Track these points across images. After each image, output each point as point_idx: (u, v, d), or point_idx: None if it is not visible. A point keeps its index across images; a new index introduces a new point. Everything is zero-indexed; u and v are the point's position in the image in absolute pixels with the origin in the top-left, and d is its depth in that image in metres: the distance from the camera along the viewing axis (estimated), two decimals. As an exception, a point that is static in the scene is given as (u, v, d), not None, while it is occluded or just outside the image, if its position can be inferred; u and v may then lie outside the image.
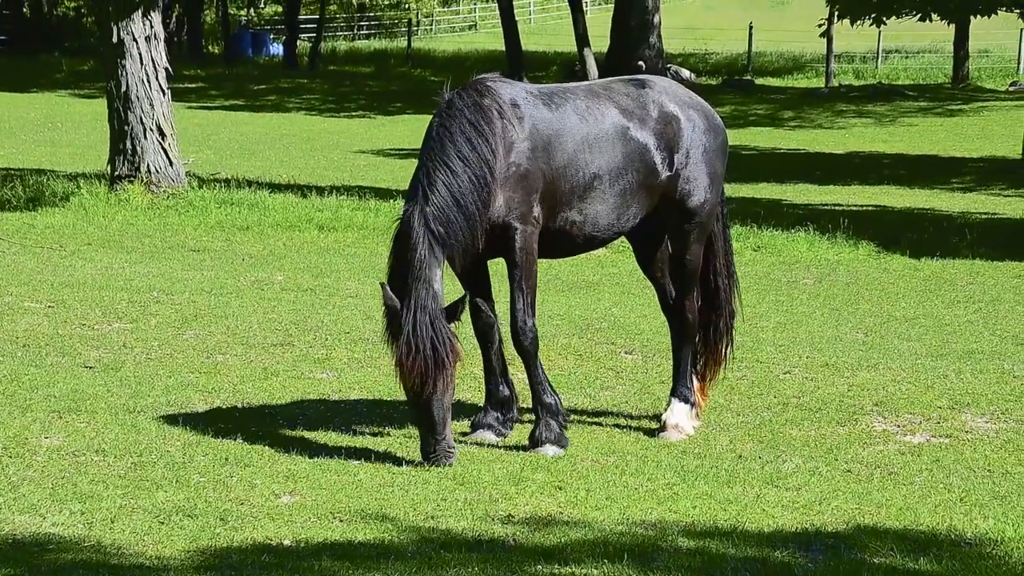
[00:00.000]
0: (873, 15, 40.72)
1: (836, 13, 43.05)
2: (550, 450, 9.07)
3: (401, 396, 9.16)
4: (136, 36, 20.54)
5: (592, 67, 42.08)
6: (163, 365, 11.17)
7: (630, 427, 9.92)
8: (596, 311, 14.30)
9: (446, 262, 8.84)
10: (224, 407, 10.01)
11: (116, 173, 20.94)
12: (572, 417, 9.68)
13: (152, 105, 20.70)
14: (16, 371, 10.72)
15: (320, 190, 22.42)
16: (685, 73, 49.03)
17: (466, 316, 9.06)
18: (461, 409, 9.75)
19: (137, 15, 20.52)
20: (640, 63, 41.38)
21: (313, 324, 12.88)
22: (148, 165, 20.79)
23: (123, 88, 20.62)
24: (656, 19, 44.06)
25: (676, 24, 60.19)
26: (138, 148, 20.76)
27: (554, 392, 9.30)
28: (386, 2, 72.06)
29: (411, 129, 35.05)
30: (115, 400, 10.00)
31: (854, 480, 8.69)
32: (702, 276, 10.03)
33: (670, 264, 10.00)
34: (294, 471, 8.45)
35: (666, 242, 9.97)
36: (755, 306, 14.64)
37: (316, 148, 32.54)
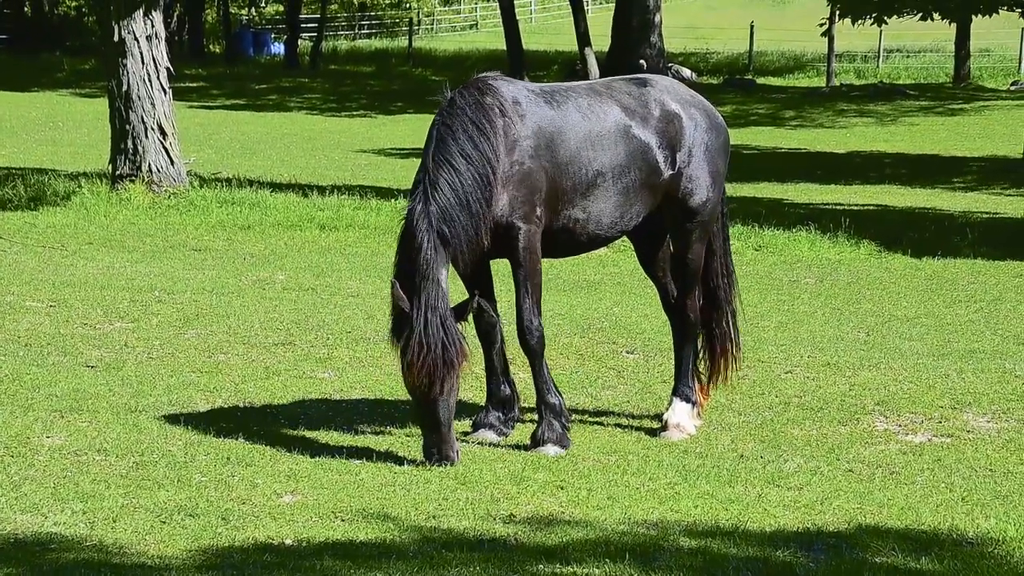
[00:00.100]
0: (874, 14, 40.72)
1: (837, 12, 43.05)
2: (552, 450, 9.07)
3: (403, 395, 9.17)
4: (137, 35, 20.54)
5: (593, 66, 42.08)
6: (165, 364, 11.17)
7: (632, 426, 9.92)
8: (598, 310, 14.30)
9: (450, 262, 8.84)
10: (226, 406, 10.01)
11: (117, 172, 20.94)
12: (574, 417, 9.68)
13: (153, 104, 20.70)
14: (18, 370, 10.72)
15: (321, 189, 22.42)
16: (686, 72, 49.02)
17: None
18: (462, 408, 9.75)
19: (138, 14, 20.52)
20: (641, 62, 41.39)
21: (315, 323, 12.88)
22: (149, 164, 20.79)
23: (124, 87, 20.62)
24: (657, 18, 44.07)
25: (677, 23, 60.20)
26: (139, 147, 20.76)
27: (558, 392, 9.30)
28: (387, 1, 72.05)
29: (412, 128, 35.06)
30: (117, 399, 10.00)
31: (856, 480, 8.69)
32: (701, 276, 10.02)
33: (672, 263, 10.00)
34: (296, 470, 8.45)
35: (667, 241, 9.97)
36: (757, 305, 14.64)
37: (317, 147, 32.54)
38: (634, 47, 43.05)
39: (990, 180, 29.46)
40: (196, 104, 40.49)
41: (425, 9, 73.82)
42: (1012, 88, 47.53)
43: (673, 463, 8.91)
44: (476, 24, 76.50)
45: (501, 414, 9.51)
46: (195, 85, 45.43)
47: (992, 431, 9.91)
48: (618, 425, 9.94)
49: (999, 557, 7.24)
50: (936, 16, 39.82)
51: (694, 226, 9.72)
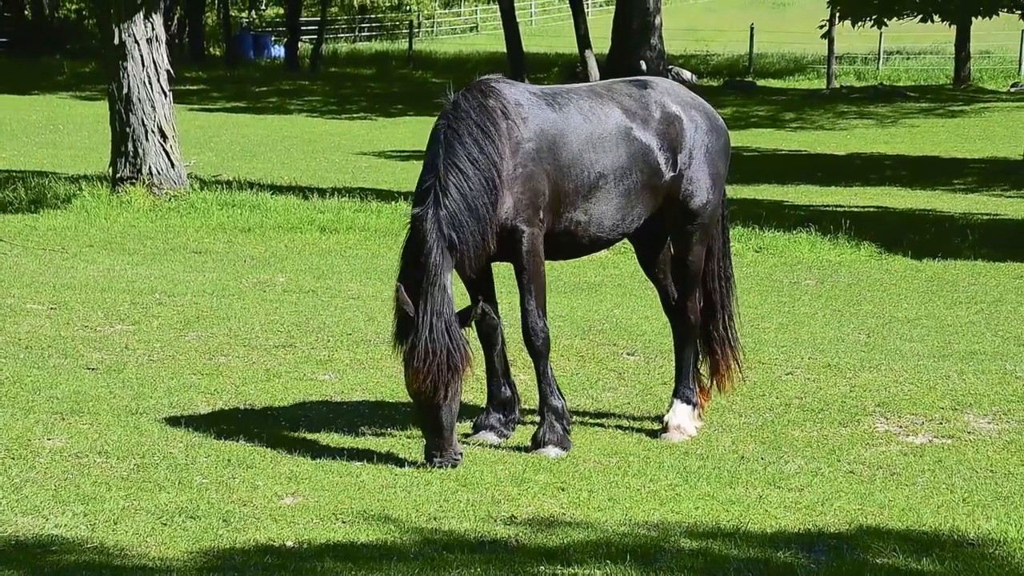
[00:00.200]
0: (874, 16, 40.70)
1: (837, 14, 43.04)
2: (552, 451, 9.07)
3: (404, 398, 9.17)
4: (138, 38, 20.55)
5: (593, 69, 42.08)
6: (165, 367, 11.17)
7: (632, 428, 9.92)
8: (598, 312, 14.30)
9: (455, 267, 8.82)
10: (226, 409, 10.01)
11: (118, 175, 20.95)
12: (574, 418, 9.68)
13: (154, 107, 20.71)
14: (18, 373, 10.72)
15: (322, 192, 22.43)
16: (686, 74, 49.04)
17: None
18: (463, 410, 9.74)
19: (139, 17, 20.53)
20: (642, 64, 41.39)
21: (315, 326, 12.88)
22: (150, 167, 20.80)
23: (125, 90, 20.63)
24: (657, 20, 44.08)
25: (677, 25, 60.22)
26: (140, 150, 20.78)
27: (561, 395, 9.30)
28: (387, 4, 72.04)
29: (412, 131, 35.07)
30: (117, 402, 10.01)
31: (856, 481, 8.69)
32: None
33: (672, 265, 10.00)
34: (297, 472, 8.45)
35: (668, 243, 9.97)
36: (757, 307, 14.64)
37: (317, 150, 32.55)
38: (634, 49, 43.06)
39: (990, 182, 29.46)
40: (196, 107, 40.49)
41: (425, 12, 73.84)
42: (1012, 90, 47.53)
43: (674, 465, 8.91)
44: (476, 26, 76.51)
45: (502, 416, 9.51)
46: (195, 88, 45.43)
47: (993, 432, 9.91)
48: (619, 427, 9.94)
49: (1000, 558, 7.24)
50: (936, 18, 39.81)
51: (694, 228, 9.72)
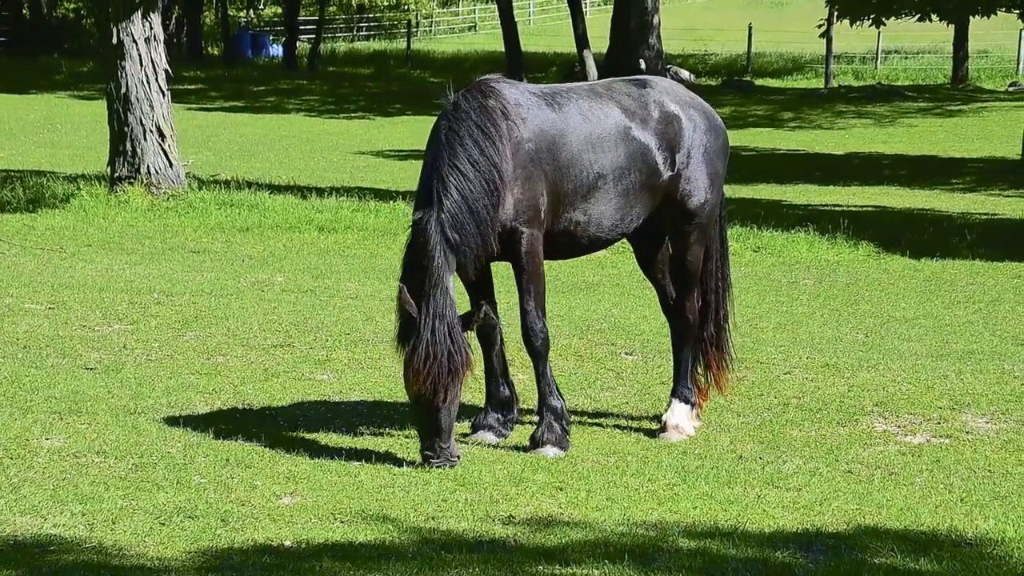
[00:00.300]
0: (872, 16, 40.73)
1: (835, 14, 43.06)
2: (551, 451, 9.07)
3: (402, 397, 9.17)
4: (136, 37, 20.54)
5: (592, 68, 42.08)
6: (164, 366, 11.17)
7: (631, 428, 9.92)
8: (596, 312, 14.30)
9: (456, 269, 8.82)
10: (225, 408, 10.01)
11: (116, 175, 20.95)
12: (573, 418, 9.68)
13: (152, 106, 20.71)
14: (17, 373, 10.72)
15: (320, 191, 22.43)
16: (685, 74, 49.02)
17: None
18: (462, 410, 9.74)
19: (137, 16, 20.53)
20: (640, 63, 41.39)
21: (313, 325, 12.88)
22: (148, 166, 20.80)
23: (123, 89, 20.63)
24: (656, 20, 44.08)
25: (675, 25, 60.21)
26: (138, 150, 20.77)
27: (560, 396, 9.31)
28: (385, 3, 72.04)
29: (411, 130, 35.07)
30: (116, 401, 10.00)
31: (855, 481, 8.69)
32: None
33: (670, 265, 10.00)
34: (295, 472, 8.45)
35: (666, 243, 9.97)
36: (755, 307, 14.63)
37: (316, 149, 32.54)
38: (632, 49, 43.06)
39: (988, 181, 29.47)
40: (195, 106, 40.48)
41: (423, 11, 73.82)
42: (1010, 89, 47.54)
43: (672, 464, 8.91)
44: (474, 26, 76.50)
45: (500, 415, 9.51)
46: (193, 87, 45.43)
47: (991, 432, 9.92)
48: (617, 426, 9.94)
49: (998, 558, 7.24)
50: (934, 17, 39.85)
51: (693, 228, 9.73)
